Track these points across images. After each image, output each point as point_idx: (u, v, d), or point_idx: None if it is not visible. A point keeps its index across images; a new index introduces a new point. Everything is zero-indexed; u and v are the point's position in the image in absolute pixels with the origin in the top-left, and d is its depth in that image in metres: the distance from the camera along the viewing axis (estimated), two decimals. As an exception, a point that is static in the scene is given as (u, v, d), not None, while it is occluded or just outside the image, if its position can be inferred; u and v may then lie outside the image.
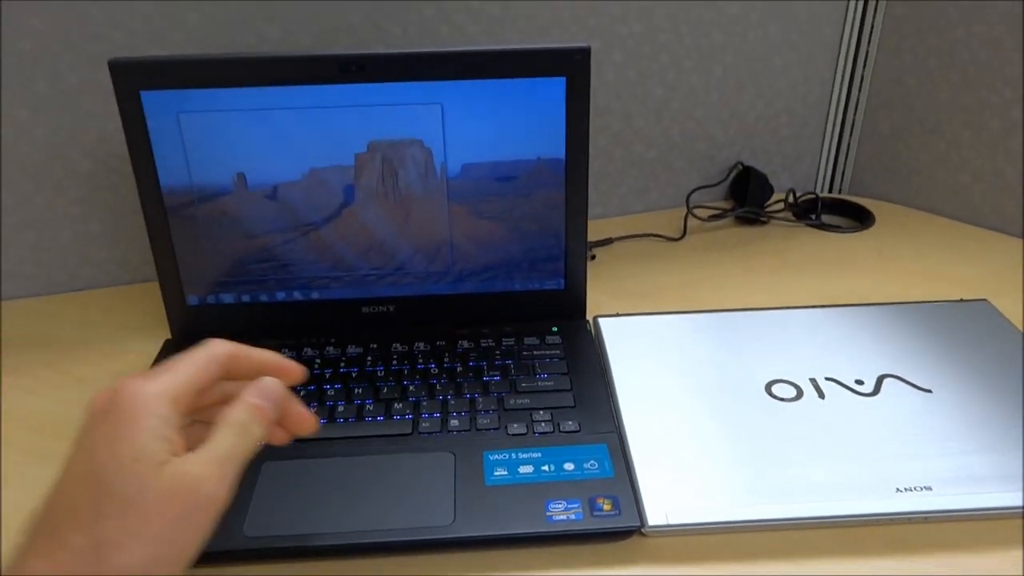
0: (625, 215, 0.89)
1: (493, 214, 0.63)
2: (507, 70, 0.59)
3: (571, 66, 0.59)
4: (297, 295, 0.65)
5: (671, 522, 0.47)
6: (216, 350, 0.39)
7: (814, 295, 0.72)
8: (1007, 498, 0.48)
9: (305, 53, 0.58)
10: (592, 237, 0.82)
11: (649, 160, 0.86)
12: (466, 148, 0.61)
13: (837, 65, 0.87)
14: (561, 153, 0.61)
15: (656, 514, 0.47)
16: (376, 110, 0.59)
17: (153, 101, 0.58)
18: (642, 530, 0.47)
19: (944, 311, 0.67)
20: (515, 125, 0.60)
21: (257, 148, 0.60)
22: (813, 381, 0.58)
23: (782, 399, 0.57)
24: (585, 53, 0.58)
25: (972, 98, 0.81)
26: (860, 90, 0.89)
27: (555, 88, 0.59)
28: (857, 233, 0.85)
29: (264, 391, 0.39)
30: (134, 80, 0.58)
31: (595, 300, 0.72)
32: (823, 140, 0.92)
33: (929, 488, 0.49)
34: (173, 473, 0.34)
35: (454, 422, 0.55)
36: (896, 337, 0.64)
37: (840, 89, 0.89)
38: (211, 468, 0.35)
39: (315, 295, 0.65)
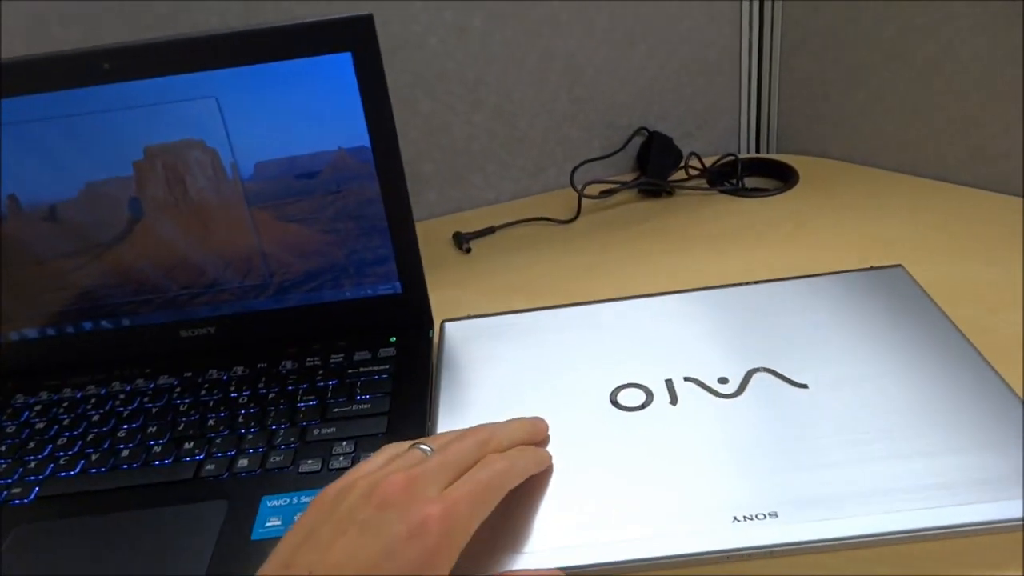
0: (520, 198, 0.80)
1: (302, 216, 0.55)
2: (282, 50, 0.50)
3: (354, 39, 0.50)
4: (105, 323, 0.59)
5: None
6: (508, 481, 0.40)
7: (718, 273, 0.63)
8: (860, 524, 0.39)
9: (54, 53, 0.51)
10: (472, 227, 0.74)
11: (538, 135, 0.77)
12: (255, 145, 0.53)
13: (742, 5, 0.77)
14: (365, 140, 0.53)
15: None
16: (144, 111, 0.52)
17: (-94, 123, 0.52)
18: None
19: (851, 283, 0.57)
20: (305, 113, 0.52)
21: (25, 166, 0.53)
22: (668, 383, 0.50)
23: (627, 408, 0.48)
24: (368, 22, 0.50)
25: (893, 27, 0.70)
26: (772, 33, 0.78)
27: (341, 66, 0.51)
28: (776, 196, 0.75)
29: None
30: None
31: (468, 300, 0.64)
32: (739, 94, 0.81)
33: (775, 515, 0.40)
34: None
35: (243, 462, 0.48)
36: (784, 319, 0.54)
37: (750, 33, 0.78)
38: None
39: (126, 322, 0.59)
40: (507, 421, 0.45)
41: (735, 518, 0.40)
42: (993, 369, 0.47)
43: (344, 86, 0.51)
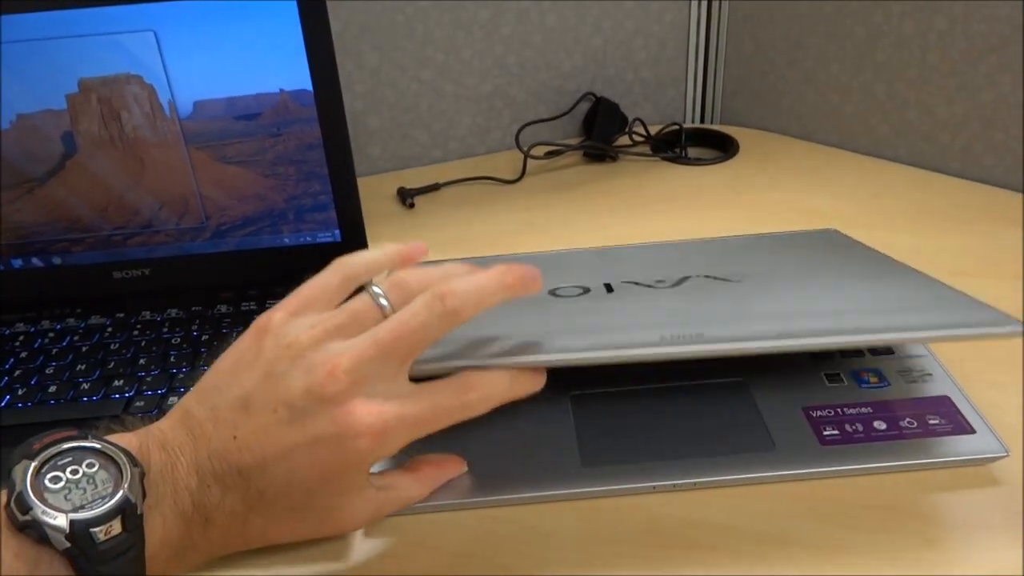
0: (467, 158, 0.80)
1: (241, 158, 0.55)
2: (225, -13, 0.50)
3: (300, -22, 0.50)
4: (36, 261, 0.58)
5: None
6: (460, 417, 0.36)
7: (658, 234, 0.64)
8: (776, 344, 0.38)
9: (-15, -23, 0.49)
10: (418, 183, 0.74)
11: (486, 95, 0.78)
12: (194, 83, 0.52)
13: (692, -22, 0.78)
14: (307, 84, 0.53)
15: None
16: (79, 42, 0.51)
17: None
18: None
19: (785, 241, 0.59)
20: (246, 53, 0.52)
21: (-47, 93, 0.52)
22: (607, 285, 0.50)
23: (565, 296, 0.48)
24: (313, -38, 0.50)
25: (830, 9, 0.72)
26: (720, 10, 0.79)
27: (286, 7, 0.51)
28: (716, 165, 0.76)
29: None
30: None
31: (408, 253, 0.64)
32: (687, 64, 0.83)
33: (700, 335, 0.39)
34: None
35: (173, 399, 0.48)
36: (725, 265, 0.55)
37: (699, 9, 0.80)
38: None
39: (57, 261, 0.58)
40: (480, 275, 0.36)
41: (662, 337, 0.39)
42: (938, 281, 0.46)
43: (287, 27, 0.51)
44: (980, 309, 0.40)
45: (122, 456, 0.31)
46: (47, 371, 0.52)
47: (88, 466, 0.31)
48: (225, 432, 0.33)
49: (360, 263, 0.38)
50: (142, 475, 0.31)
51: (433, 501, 0.40)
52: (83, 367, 0.52)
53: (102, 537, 0.29)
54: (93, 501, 0.30)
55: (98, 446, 0.31)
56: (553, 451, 0.42)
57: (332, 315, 0.35)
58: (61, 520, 0.29)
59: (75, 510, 0.29)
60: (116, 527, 0.30)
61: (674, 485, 0.40)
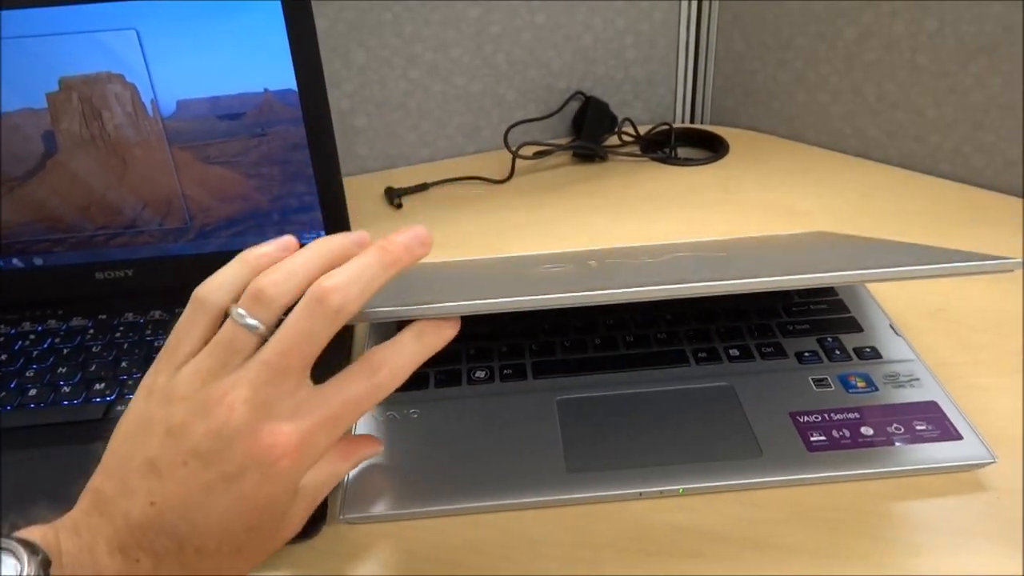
0: (455, 157, 0.80)
1: (225, 158, 0.54)
2: (208, -16, 0.49)
3: (284, -24, 0.49)
4: (17, 262, 0.57)
5: (369, 513, 0.40)
6: (378, 397, 0.34)
7: (647, 235, 0.64)
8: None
9: (-38, -27, 0.48)
10: (406, 183, 0.74)
11: (475, 94, 0.77)
12: (177, 82, 0.52)
13: (682, -23, 0.78)
14: (292, 83, 0.52)
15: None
16: (60, 40, 0.50)
17: None
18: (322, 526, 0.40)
19: (776, 238, 0.59)
20: (230, 52, 0.51)
21: (-70, 92, 0.51)
22: (593, 263, 0.49)
23: (545, 267, 0.48)
24: (297, -40, 0.49)
25: (820, 8, 0.71)
26: (710, 8, 0.79)
27: (270, 5, 0.50)
28: (706, 166, 0.76)
29: None
30: None
31: (395, 253, 0.64)
32: (676, 63, 0.82)
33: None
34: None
35: (155, 403, 0.48)
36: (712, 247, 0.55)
37: (689, 7, 0.79)
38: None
39: (38, 261, 0.57)
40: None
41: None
42: None
43: (271, 25, 0.50)
44: (980, 256, 0.37)
45: (19, 547, 0.30)
46: (27, 374, 0.51)
47: None
48: (141, 501, 0.32)
49: (218, 290, 0.34)
50: (46, 563, 0.30)
51: (416, 508, 0.40)
52: (64, 370, 0.51)
53: None
54: None
55: None
56: (538, 457, 0.42)
57: (207, 353, 0.33)
58: None
59: None
60: None
61: (661, 492, 0.40)
